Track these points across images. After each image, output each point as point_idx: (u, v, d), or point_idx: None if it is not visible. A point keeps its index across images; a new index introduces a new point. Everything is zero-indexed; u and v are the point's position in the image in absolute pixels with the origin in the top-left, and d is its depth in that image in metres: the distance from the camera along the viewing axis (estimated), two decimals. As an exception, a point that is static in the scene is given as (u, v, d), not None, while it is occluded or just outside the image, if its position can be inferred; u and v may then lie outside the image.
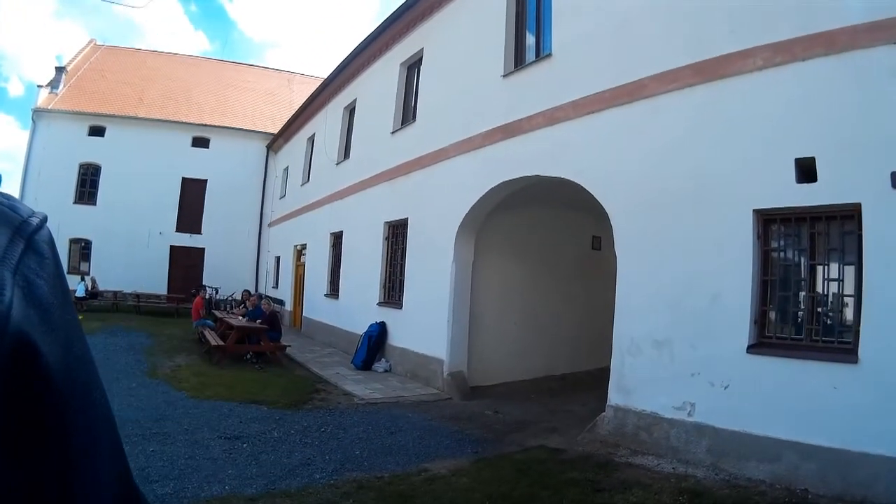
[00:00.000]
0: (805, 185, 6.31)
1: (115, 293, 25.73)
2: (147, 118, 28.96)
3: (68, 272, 26.02)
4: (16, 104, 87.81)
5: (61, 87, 28.87)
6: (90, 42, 33.37)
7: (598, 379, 9.58)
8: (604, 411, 8.36)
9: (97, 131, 28.45)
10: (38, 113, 27.64)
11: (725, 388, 6.81)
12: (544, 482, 6.59)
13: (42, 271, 0.59)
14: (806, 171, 6.32)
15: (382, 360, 13.78)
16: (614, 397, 8.25)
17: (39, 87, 28.67)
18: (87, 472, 0.62)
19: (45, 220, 0.64)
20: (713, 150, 7.28)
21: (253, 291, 22.89)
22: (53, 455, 0.57)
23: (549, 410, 10.26)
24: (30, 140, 27.88)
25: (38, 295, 0.57)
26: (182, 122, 29.61)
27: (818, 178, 6.19)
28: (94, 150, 28.23)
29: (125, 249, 27.20)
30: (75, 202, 28.00)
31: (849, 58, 6.05)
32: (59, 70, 29.62)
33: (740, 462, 6.45)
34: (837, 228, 6.35)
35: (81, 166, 28.34)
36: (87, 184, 28.55)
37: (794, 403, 6.12)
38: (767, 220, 6.86)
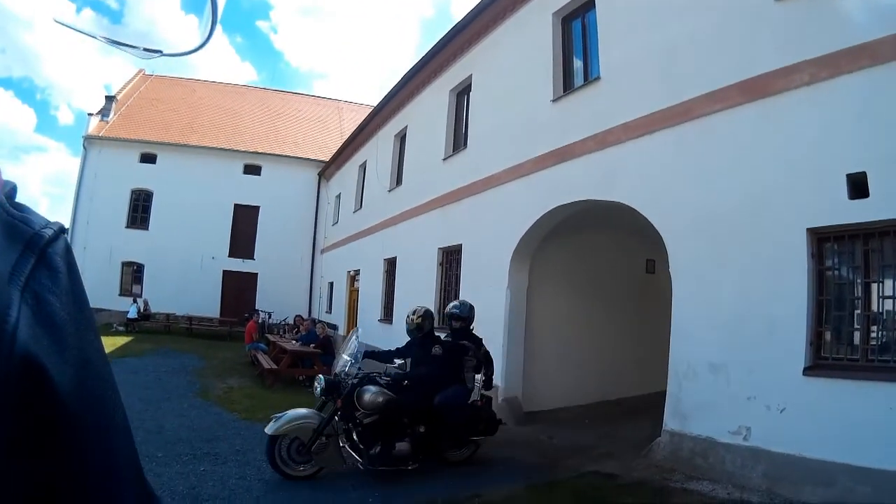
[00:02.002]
0: (857, 200, 6.18)
1: (167, 315, 26.19)
2: (198, 146, 29.78)
3: (120, 294, 27.16)
4: (66, 132, 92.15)
5: (111, 115, 29.83)
6: (139, 72, 34.29)
7: (653, 403, 9.40)
8: (659, 436, 8.22)
9: (148, 158, 29.37)
10: (89, 140, 28.63)
11: (781, 411, 6.64)
12: (600, 509, 6.53)
13: (55, 287, 0.57)
14: (858, 186, 6.17)
15: (437, 385, 13.70)
16: (670, 422, 8.11)
17: (90, 115, 29.57)
18: (107, 495, 0.60)
19: (60, 230, 0.62)
20: (764, 169, 7.18)
21: (306, 316, 23.06)
22: (70, 479, 0.56)
23: (603, 436, 10.08)
24: (81, 166, 28.84)
25: (49, 312, 0.56)
26: (233, 150, 30.33)
27: (870, 193, 6.07)
28: (145, 177, 29.11)
29: (178, 273, 27.82)
30: (127, 226, 28.97)
31: (894, 68, 5.95)
32: (109, 99, 30.65)
33: (795, 487, 6.26)
34: (891, 244, 6.17)
35: (133, 192, 29.22)
36: (140, 209, 29.42)
37: (849, 425, 5.93)
38: (821, 239, 6.72)
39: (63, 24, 0.83)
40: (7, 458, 0.50)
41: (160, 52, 0.92)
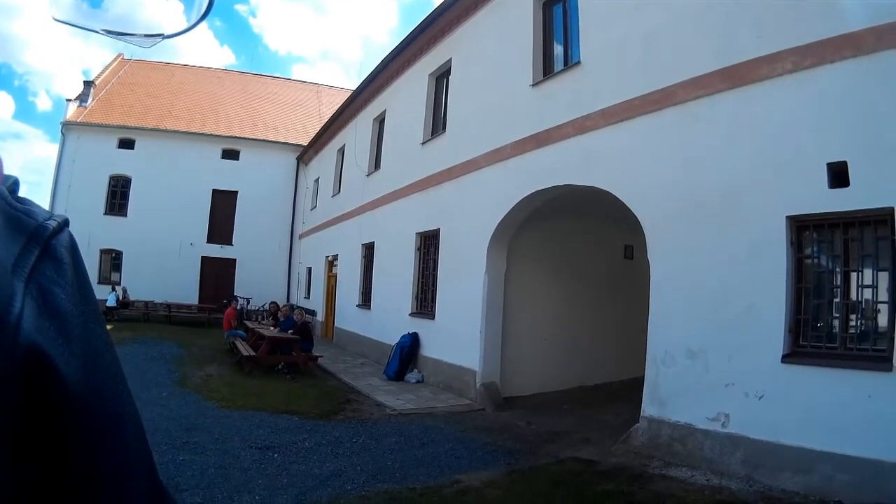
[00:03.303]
0: (838, 189, 6.19)
1: (146, 303, 25.87)
2: (176, 130, 29.46)
3: (99, 282, 26.58)
4: (44, 118, 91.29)
5: (90, 100, 29.40)
6: (118, 56, 33.82)
7: (631, 389, 9.43)
8: (637, 422, 8.25)
9: (127, 144, 28.99)
10: (67, 126, 28.19)
11: (760, 398, 6.69)
12: (578, 494, 6.52)
13: (60, 279, 0.57)
14: (838, 175, 6.20)
15: (415, 370, 13.77)
16: (648, 408, 8.14)
17: (68, 100, 29.09)
18: (119, 489, 0.59)
19: (64, 223, 0.61)
20: (745, 156, 7.18)
21: (283, 302, 22.90)
22: (80, 473, 0.55)
23: (582, 421, 10.13)
24: (59, 153, 28.46)
25: (55, 304, 0.55)
26: (211, 135, 30.00)
27: (850, 182, 6.08)
28: (123, 163, 28.74)
29: (156, 260, 27.51)
30: (106, 213, 28.58)
31: (877, 59, 5.95)
32: (88, 84, 30.18)
33: (774, 473, 6.32)
34: (871, 234, 6.22)
35: (111, 178, 28.84)
36: (118, 195, 29.07)
37: (828, 413, 5.99)
38: (801, 227, 6.74)
39: (63, 22, 0.80)
40: (15, 452, 0.49)
41: (161, 35, 0.88)
